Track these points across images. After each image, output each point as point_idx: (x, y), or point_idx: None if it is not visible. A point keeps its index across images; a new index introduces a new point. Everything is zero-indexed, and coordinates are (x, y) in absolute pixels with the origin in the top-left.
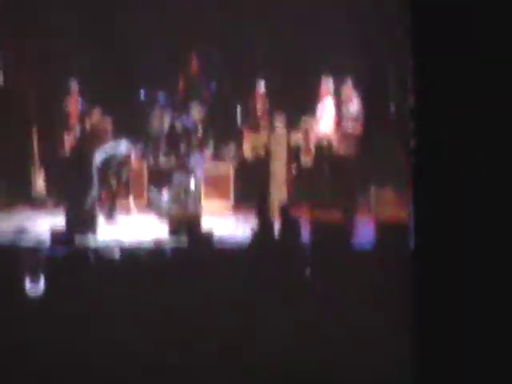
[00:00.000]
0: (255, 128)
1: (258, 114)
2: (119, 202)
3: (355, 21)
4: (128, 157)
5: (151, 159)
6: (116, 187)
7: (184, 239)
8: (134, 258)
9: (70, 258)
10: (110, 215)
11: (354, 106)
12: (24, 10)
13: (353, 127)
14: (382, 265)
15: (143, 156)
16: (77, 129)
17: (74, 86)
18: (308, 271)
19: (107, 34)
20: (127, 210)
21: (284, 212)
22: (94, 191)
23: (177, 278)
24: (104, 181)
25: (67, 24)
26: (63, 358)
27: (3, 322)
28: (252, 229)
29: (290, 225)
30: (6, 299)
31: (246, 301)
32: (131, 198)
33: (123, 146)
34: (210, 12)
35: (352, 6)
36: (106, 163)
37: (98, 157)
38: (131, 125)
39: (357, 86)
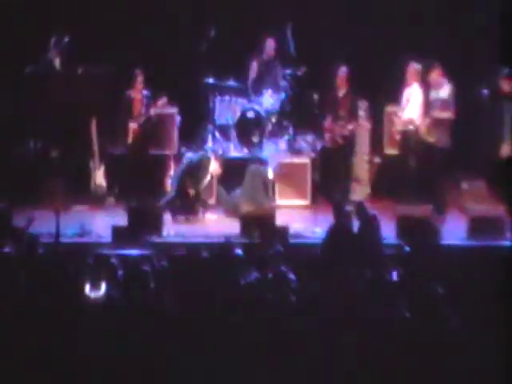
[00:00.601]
0: (336, 117)
1: (339, 101)
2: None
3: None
4: (208, 160)
5: (220, 151)
6: (192, 189)
7: (256, 235)
8: (202, 258)
9: (134, 260)
10: (183, 214)
11: (444, 91)
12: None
13: (443, 114)
14: (474, 263)
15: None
16: (142, 119)
17: (138, 74)
18: (394, 271)
19: (171, 21)
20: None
21: (361, 209)
22: (172, 192)
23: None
24: (182, 183)
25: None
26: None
27: (63, 327)
28: (330, 226)
29: (368, 222)
30: (66, 303)
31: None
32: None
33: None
34: None
35: None
36: (187, 166)
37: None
38: (198, 113)
39: (447, 70)
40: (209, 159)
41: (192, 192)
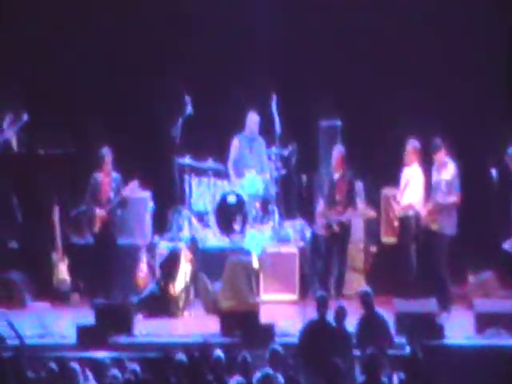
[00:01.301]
0: (331, 201)
1: (335, 184)
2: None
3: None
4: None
5: (199, 240)
6: (166, 283)
7: (239, 334)
8: (178, 361)
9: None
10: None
11: (447, 172)
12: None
13: (447, 199)
14: (483, 364)
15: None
16: (110, 205)
17: (107, 154)
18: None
19: (144, 94)
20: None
21: (366, 302)
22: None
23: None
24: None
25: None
26: None
27: None
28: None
29: (372, 318)
30: None
31: None
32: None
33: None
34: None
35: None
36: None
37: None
38: (173, 198)
39: (450, 148)
40: (178, 252)
41: (172, 290)
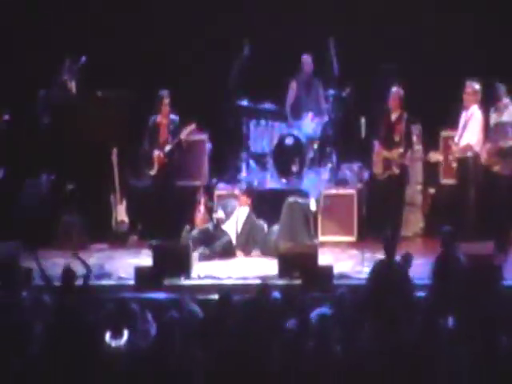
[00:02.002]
0: (389, 142)
1: (393, 125)
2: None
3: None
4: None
5: (256, 183)
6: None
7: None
8: (236, 302)
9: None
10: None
11: (509, 114)
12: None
13: (507, 140)
14: None
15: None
16: (169, 147)
17: (165, 96)
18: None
19: (198, 39)
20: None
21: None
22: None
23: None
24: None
25: None
26: None
27: (83, 379)
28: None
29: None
30: (85, 351)
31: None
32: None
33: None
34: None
35: None
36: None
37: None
38: (231, 140)
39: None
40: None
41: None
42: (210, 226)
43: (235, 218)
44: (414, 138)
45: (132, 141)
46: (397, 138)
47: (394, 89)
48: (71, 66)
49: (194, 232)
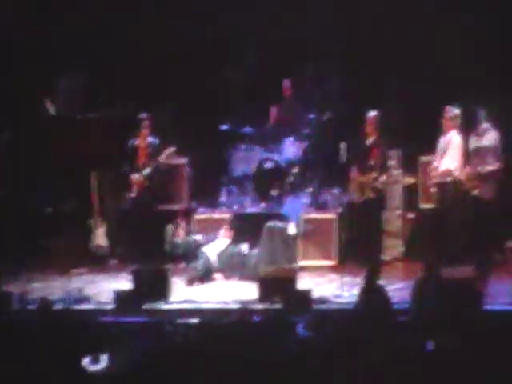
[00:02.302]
0: (364, 167)
1: (368, 150)
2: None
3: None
4: None
5: (235, 207)
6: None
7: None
8: (216, 327)
9: (138, 329)
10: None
11: (488, 139)
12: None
13: (487, 164)
14: None
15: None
16: (147, 170)
17: (144, 119)
18: (430, 342)
19: (183, 59)
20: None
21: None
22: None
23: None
24: None
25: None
26: None
27: None
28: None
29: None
30: (63, 376)
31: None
32: None
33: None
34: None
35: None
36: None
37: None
38: (211, 164)
39: (491, 116)
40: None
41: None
42: (191, 242)
43: (215, 244)
44: (393, 163)
45: (111, 163)
46: (372, 162)
47: (371, 113)
48: (67, 85)
49: (177, 240)
